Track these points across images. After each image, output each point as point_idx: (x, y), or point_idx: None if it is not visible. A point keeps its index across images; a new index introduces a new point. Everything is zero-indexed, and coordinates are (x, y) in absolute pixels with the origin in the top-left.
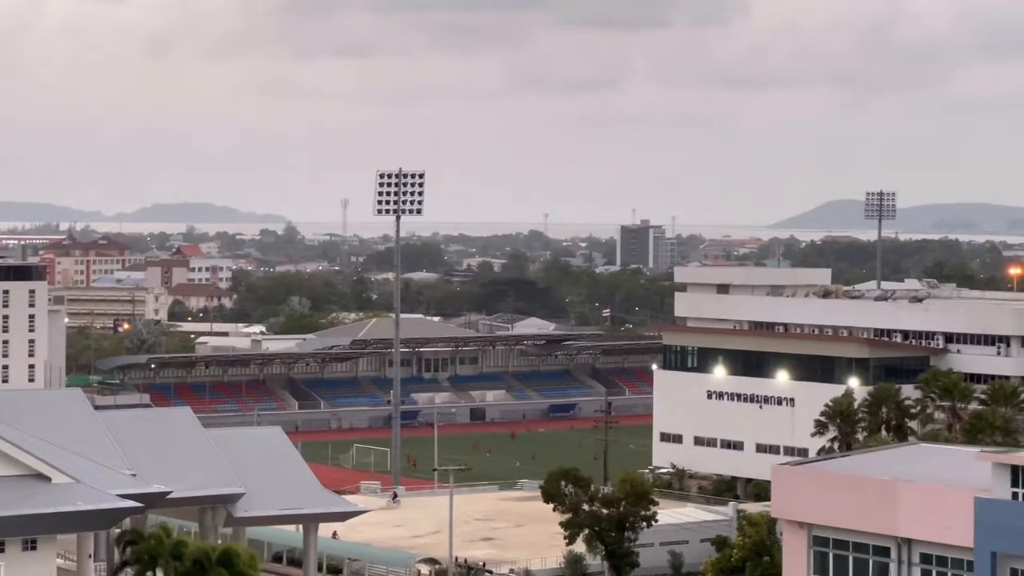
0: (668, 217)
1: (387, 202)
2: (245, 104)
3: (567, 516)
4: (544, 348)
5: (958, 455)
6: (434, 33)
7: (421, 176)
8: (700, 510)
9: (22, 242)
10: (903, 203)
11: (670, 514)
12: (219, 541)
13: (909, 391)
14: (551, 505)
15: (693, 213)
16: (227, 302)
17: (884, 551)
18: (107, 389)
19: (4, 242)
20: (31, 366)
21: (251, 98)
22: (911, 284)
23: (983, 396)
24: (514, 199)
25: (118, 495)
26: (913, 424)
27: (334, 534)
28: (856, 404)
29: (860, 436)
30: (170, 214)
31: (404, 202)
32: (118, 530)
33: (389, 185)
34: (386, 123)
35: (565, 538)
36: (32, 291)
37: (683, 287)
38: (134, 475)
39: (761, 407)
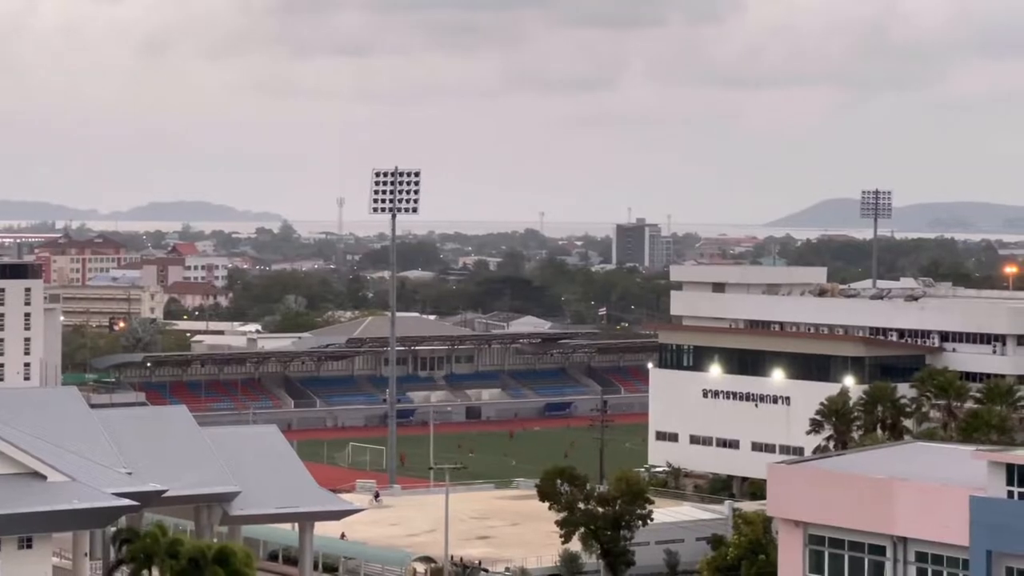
0: (664, 216)
1: (383, 201)
2: (242, 103)
3: (563, 515)
4: (540, 347)
5: (954, 454)
6: (431, 32)
7: (417, 175)
8: (696, 509)
9: (18, 240)
10: (899, 202)
11: (666, 513)
12: (215, 539)
13: (905, 390)
14: (547, 504)
15: (689, 212)
16: (223, 300)
17: (880, 550)
18: (103, 387)
19: (0, 240)
20: (27, 364)
21: (248, 97)
22: (907, 283)
23: (979, 395)
24: (510, 198)
25: (114, 493)
26: (909, 423)
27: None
28: (852, 403)
29: (856, 435)
30: (166, 212)
31: (400, 201)
32: (114, 528)
33: (385, 184)
34: (383, 122)
35: (561, 537)
36: (28, 289)
37: (679, 286)
38: (130, 473)
39: (757, 406)
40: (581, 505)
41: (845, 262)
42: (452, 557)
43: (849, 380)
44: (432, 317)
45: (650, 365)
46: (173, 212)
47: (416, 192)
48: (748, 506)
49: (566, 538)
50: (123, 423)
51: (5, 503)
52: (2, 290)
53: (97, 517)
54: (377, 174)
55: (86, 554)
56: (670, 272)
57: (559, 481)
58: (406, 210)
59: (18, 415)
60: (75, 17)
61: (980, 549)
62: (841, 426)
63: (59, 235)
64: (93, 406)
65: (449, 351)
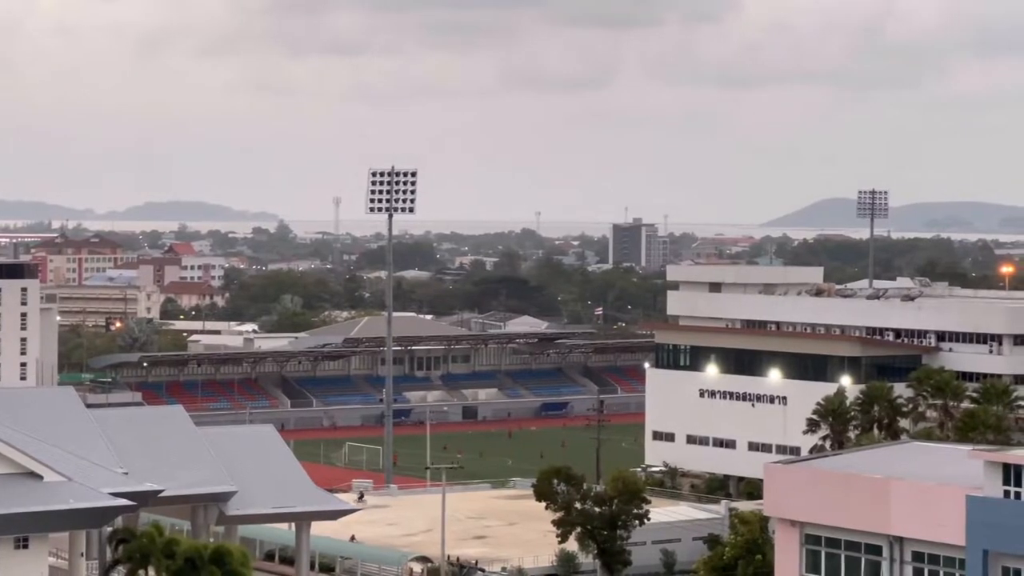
0: (661, 216)
1: (379, 200)
2: (237, 102)
3: (559, 514)
4: (536, 346)
5: (950, 453)
6: (426, 32)
7: (413, 174)
8: (692, 508)
9: (14, 240)
10: (895, 202)
11: (662, 512)
12: (211, 539)
13: (901, 389)
14: (543, 503)
15: (686, 211)
16: (219, 300)
17: (876, 549)
18: (99, 387)
19: None
20: (23, 364)
21: (243, 96)
22: (903, 283)
23: (975, 394)
24: (507, 197)
25: (110, 493)
26: (905, 423)
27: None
28: (848, 402)
29: (852, 434)
30: (162, 212)
31: (396, 200)
32: (110, 528)
33: (381, 183)
34: (379, 121)
35: (557, 536)
36: (24, 289)
37: (675, 285)
38: (126, 473)
39: (753, 405)
40: (578, 505)
41: (842, 262)
42: (449, 557)
43: (846, 380)
44: (428, 317)
45: (647, 365)
46: (169, 212)
47: (413, 192)
48: (744, 506)
49: (563, 538)
50: (120, 423)
51: (1, 503)
52: None
53: (93, 517)
54: (373, 174)
55: (82, 554)
56: (667, 272)
57: (556, 481)
58: (402, 210)
59: (15, 415)
60: (70, 16)
61: (977, 549)
62: (838, 426)
63: (55, 235)
64: (89, 406)
65: (445, 351)
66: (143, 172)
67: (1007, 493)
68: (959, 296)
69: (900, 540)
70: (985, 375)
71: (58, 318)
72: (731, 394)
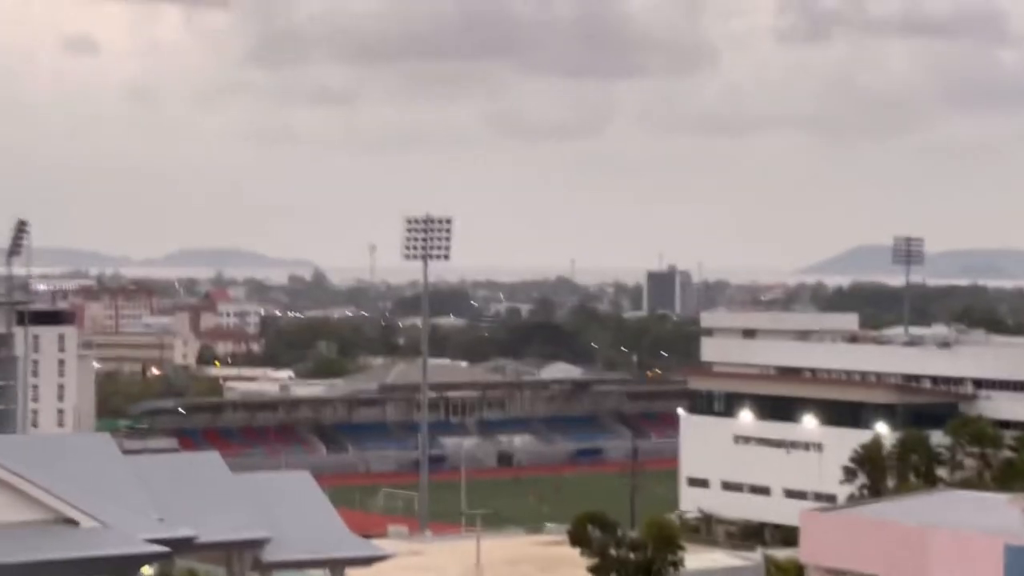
0: (695, 262)
1: (415, 247)
2: (263, 151)
3: (594, 561)
4: (571, 393)
5: (988, 502)
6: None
7: (449, 222)
8: (728, 555)
9: (52, 287)
10: (931, 248)
11: (697, 559)
12: None
13: (938, 437)
14: (578, 549)
15: (720, 258)
16: (255, 347)
17: None
18: (136, 434)
19: (34, 287)
20: (60, 411)
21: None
22: (939, 329)
23: (1013, 443)
24: (541, 245)
25: (146, 540)
26: (942, 471)
27: None
28: (885, 450)
29: (889, 482)
30: (198, 259)
31: (432, 247)
32: (146, 575)
33: (417, 231)
34: (410, 168)
35: None
36: (62, 336)
37: (710, 332)
38: (162, 520)
39: (788, 452)
40: (613, 551)
41: (877, 309)
42: None
43: (882, 427)
44: (464, 363)
45: (681, 411)
46: (205, 259)
47: (448, 239)
48: (781, 553)
49: None
50: (156, 469)
51: (37, 549)
52: (36, 337)
53: (128, 564)
54: (409, 221)
55: None
56: (701, 318)
57: (590, 527)
58: (438, 257)
59: (51, 461)
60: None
61: None
62: (874, 474)
63: (92, 282)
64: (126, 452)
65: (481, 397)
66: (178, 220)
67: None
68: (996, 343)
69: None
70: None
71: (95, 365)
72: (766, 440)
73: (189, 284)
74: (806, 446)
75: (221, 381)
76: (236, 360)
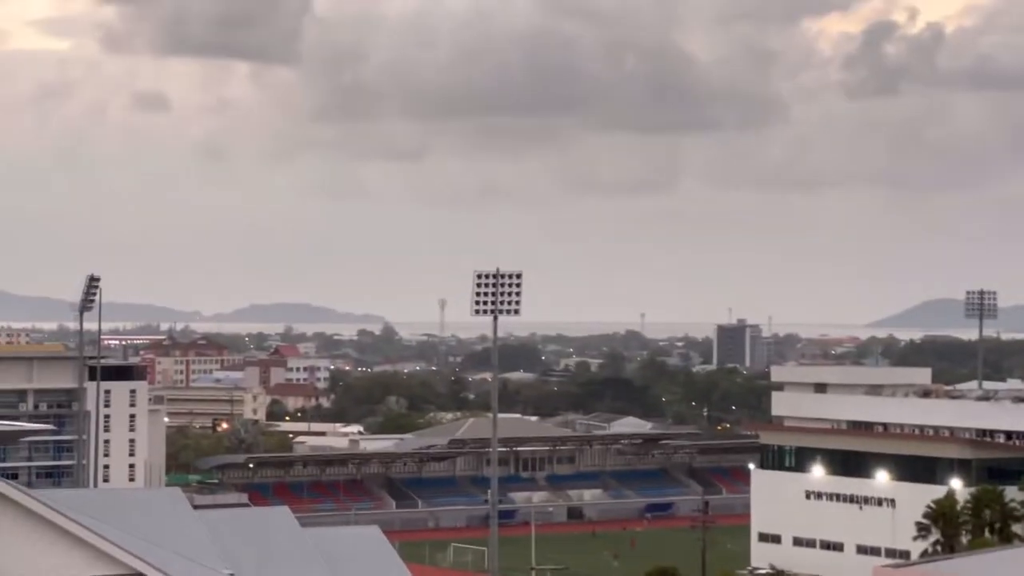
0: (765, 316)
1: (484, 302)
2: (333, 206)
3: None
4: (641, 447)
5: None
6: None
7: (519, 276)
8: None
9: (123, 342)
10: (1004, 302)
11: None
12: None
13: (1013, 493)
14: None
15: (790, 312)
16: (325, 402)
17: None
18: (206, 488)
19: (106, 342)
20: (131, 465)
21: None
22: (1014, 384)
23: None
24: (611, 300)
25: None
26: (1018, 527)
27: None
28: (959, 506)
29: (963, 539)
30: (268, 314)
31: (501, 302)
32: None
33: (486, 286)
34: (479, 223)
35: None
36: (133, 391)
37: (780, 386)
38: (232, 575)
39: (861, 508)
40: None
41: (950, 363)
42: None
43: (956, 483)
44: (534, 418)
45: (752, 466)
46: (275, 314)
47: (518, 294)
48: None
49: None
50: (226, 524)
51: None
52: (108, 392)
53: None
54: (478, 276)
55: None
56: (771, 372)
57: None
58: (508, 312)
59: (122, 516)
60: (149, 125)
61: None
62: (948, 530)
63: (163, 337)
64: (196, 507)
65: (550, 452)
66: (248, 275)
67: None
68: None
69: None
70: None
71: (166, 419)
72: (838, 496)
73: (259, 339)
74: (879, 501)
75: (291, 436)
76: (306, 415)
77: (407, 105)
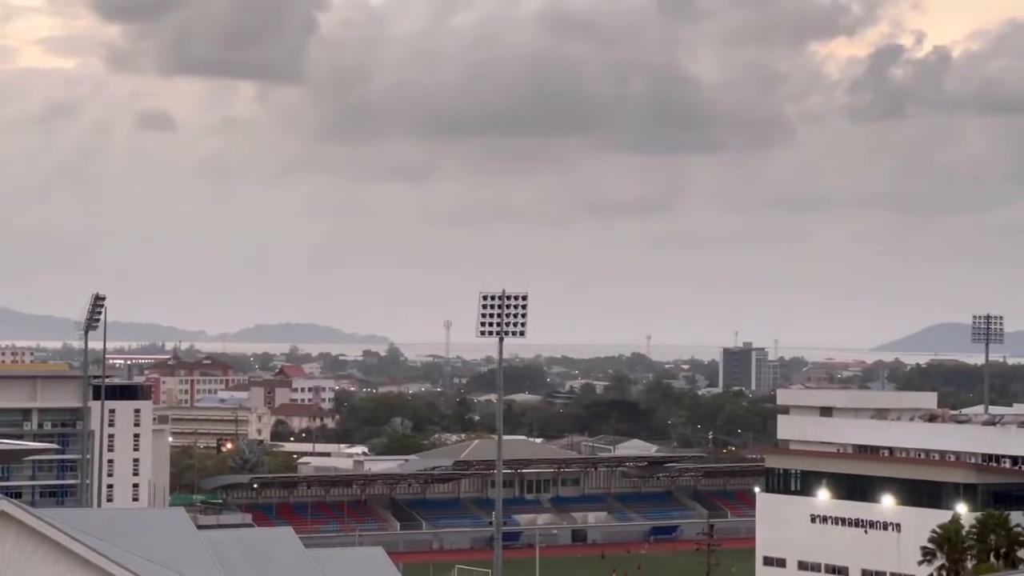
0: (771, 339)
1: (490, 324)
2: (338, 226)
3: None
4: (646, 470)
5: None
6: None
7: (524, 298)
8: None
9: (128, 362)
10: (1010, 326)
11: None
12: None
13: (1019, 518)
14: None
15: (796, 335)
16: (329, 422)
17: None
18: (210, 508)
19: (111, 362)
20: (135, 485)
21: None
22: (1020, 409)
23: None
24: (617, 322)
25: None
26: (1023, 552)
27: None
28: (964, 531)
29: (969, 564)
30: (273, 335)
31: (507, 324)
32: None
33: (492, 307)
34: (485, 245)
35: None
36: (137, 410)
37: (786, 409)
38: None
39: (866, 532)
40: None
41: (956, 387)
42: None
43: (961, 507)
44: (539, 440)
45: (757, 489)
46: (280, 334)
47: (523, 316)
48: None
49: None
50: (229, 544)
51: None
52: (112, 411)
53: None
54: (484, 298)
55: None
56: (777, 396)
57: None
58: (513, 333)
59: (126, 536)
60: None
61: None
62: (953, 555)
63: (168, 356)
64: (200, 527)
65: (555, 474)
66: (254, 295)
67: None
68: None
69: None
70: None
71: (170, 439)
72: (843, 520)
73: (264, 359)
74: (884, 526)
75: (295, 457)
76: (310, 436)
77: (412, 125)
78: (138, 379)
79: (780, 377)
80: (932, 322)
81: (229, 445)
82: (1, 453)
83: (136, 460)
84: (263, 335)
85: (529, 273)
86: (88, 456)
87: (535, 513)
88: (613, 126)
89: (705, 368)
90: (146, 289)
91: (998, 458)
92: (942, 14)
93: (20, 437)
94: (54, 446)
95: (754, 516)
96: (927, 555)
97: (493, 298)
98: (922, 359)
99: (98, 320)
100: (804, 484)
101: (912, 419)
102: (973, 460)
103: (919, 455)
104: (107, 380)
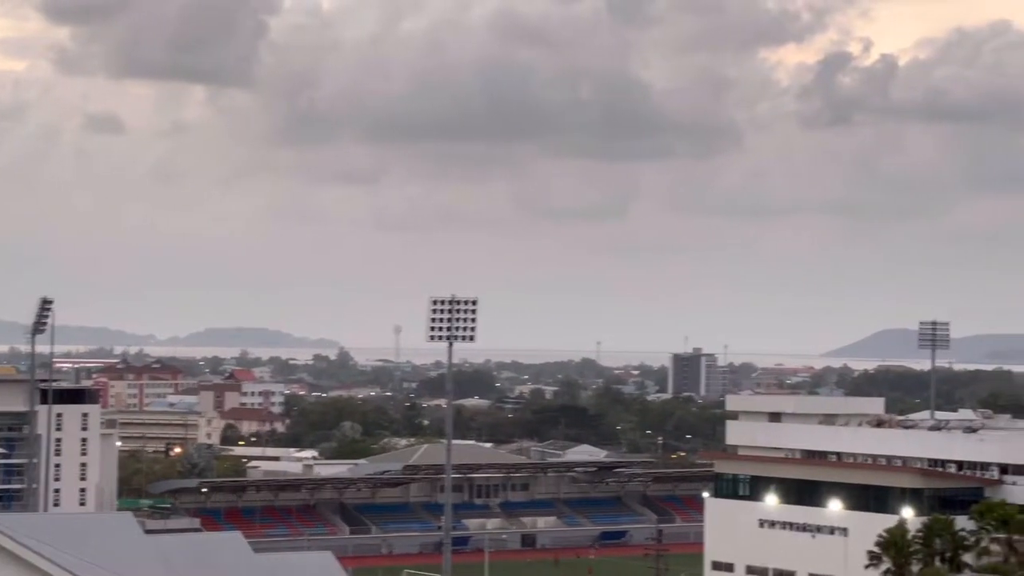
0: (720, 345)
1: (440, 329)
2: (288, 230)
3: None
4: (595, 475)
5: None
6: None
7: (474, 303)
8: None
9: (76, 365)
10: (956, 332)
11: None
12: None
13: (964, 522)
14: None
15: (745, 341)
16: (279, 427)
17: None
18: (158, 513)
19: (58, 365)
20: (82, 490)
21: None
22: (965, 414)
23: None
24: (566, 327)
25: None
26: (968, 556)
27: None
28: (910, 535)
29: (914, 568)
30: (223, 339)
31: (457, 329)
32: None
33: (442, 312)
34: (435, 249)
35: None
36: (85, 414)
37: (735, 415)
38: None
39: (814, 536)
40: None
41: (903, 393)
42: None
43: (907, 512)
44: (488, 445)
45: (706, 494)
46: (230, 338)
47: (473, 320)
48: None
49: None
50: (178, 549)
51: None
52: (59, 415)
53: None
54: (434, 302)
55: None
56: (726, 401)
57: None
58: (463, 338)
59: (73, 540)
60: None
61: None
62: (899, 559)
63: (117, 360)
64: (148, 532)
65: (504, 479)
66: (203, 299)
67: None
68: (1022, 428)
69: None
70: None
71: (118, 443)
72: (791, 524)
73: (214, 363)
74: (831, 530)
75: (244, 461)
76: (260, 440)
77: (364, 130)
78: (86, 383)
79: (729, 383)
80: (880, 328)
81: (178, 449)
82: None
83: (84, 464)
84: (213, 339)
85: (479, 278)
86: (35, 460)
87: (484, 518)
88: (564, 132)
89: (655, 374)
90: (95, 293)
91: (944, 463)
92: (889, 22)
93: None
94: (1, 450)
95: (703, 521)
96: (874, 559)
97: (443, 303)
98: (870, 365)
99: (45, 324)
100: (753, 489)
101: (860, 424)
102: (919, 465)
103: (866, 460)
104: (55, 384)
